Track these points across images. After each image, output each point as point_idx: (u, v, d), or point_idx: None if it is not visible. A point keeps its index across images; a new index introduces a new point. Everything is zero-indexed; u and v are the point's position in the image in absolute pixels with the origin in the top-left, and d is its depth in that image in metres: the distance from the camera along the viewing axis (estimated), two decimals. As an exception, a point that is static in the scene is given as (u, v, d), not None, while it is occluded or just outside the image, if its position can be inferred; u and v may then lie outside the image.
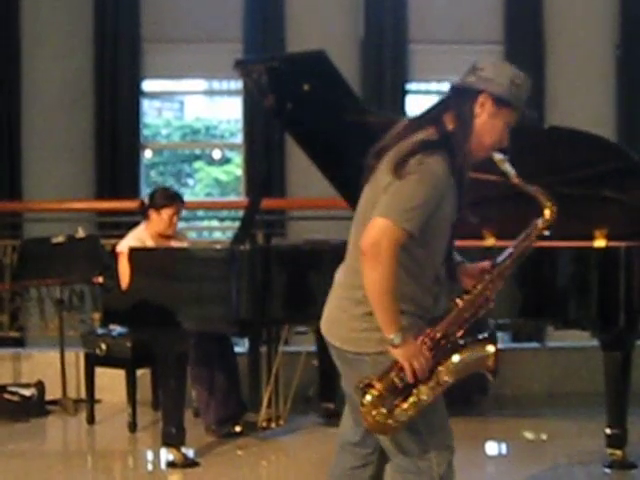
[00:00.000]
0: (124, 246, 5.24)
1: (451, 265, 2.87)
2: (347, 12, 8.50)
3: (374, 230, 2.61)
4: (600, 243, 4.72)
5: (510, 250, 2.87)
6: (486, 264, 2.87)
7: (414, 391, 2.70)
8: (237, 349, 5.78)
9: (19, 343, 7.08)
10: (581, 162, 4.70)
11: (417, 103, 9.44)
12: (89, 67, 8.42)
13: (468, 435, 5.49)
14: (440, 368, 2.73)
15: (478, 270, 2.87)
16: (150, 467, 5.26)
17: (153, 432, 5.57)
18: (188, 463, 4.87)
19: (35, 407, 5.99)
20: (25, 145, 8.36)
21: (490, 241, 5.02)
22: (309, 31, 8.24)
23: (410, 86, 8.71)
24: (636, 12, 8.49)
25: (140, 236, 5.38)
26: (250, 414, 5.47)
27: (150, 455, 5.44)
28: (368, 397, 2.70)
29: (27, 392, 6.01)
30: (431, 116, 2.77)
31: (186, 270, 4.73)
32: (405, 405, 2.70)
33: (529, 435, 5.58)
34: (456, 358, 2.75)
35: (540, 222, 2.85)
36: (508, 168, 2.82)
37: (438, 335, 2.73)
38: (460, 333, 2.77)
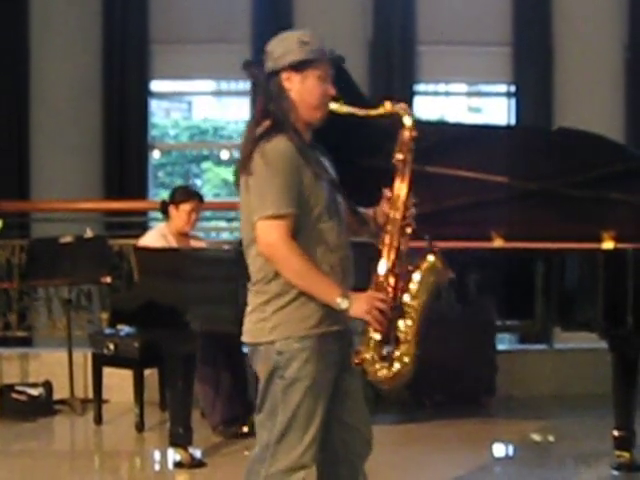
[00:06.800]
0: (145, 241, 5.27)
1: (359, 217, 2.99)
2: (356, 13, 8.49)
3: (261, 234, 2.77)
4: (608, 245, 4.71)
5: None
6: (387, 194, 2.96)
7: (398, 333, 2.80)
8: (245, 349, 5.76)
9: (27, 343, 7.09)
10: (589, 164, 4.69)
11: (426, 104, 9.43)
12: (97, 68, 8.42)
13: (475, 436, 5.50)
14: (405, 297, 2.82)
15: (385, 204, 2.97)
16: (157, 467, 5.27)
17: (160, 432, 5.57)
18: (195, 463, 4.88)
19: (43, 407, 6.00)
20: (33, 145, 8.37)
21: (498, 242, 5.01)
22: (318, 32, 8.23)
23: (418, 87, 8.69)
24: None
25: (163, 232, 5.38)
26: (257, 415, 5.45)
27: (157, 455, 5.45)
28: (366, 366, 2.80)
29: (35, 392, 6.02)
30: (261, 111, 2.92)
31: (194, 271, 4.73)
32: (400, 349, 2.80)
33: (536, 437, 5.57)
34: (416, 277, 2.83)
35: (405, 132, 2.94)
36: (349, 108, 2.95)
37: (381, 277, 2.82)
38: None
